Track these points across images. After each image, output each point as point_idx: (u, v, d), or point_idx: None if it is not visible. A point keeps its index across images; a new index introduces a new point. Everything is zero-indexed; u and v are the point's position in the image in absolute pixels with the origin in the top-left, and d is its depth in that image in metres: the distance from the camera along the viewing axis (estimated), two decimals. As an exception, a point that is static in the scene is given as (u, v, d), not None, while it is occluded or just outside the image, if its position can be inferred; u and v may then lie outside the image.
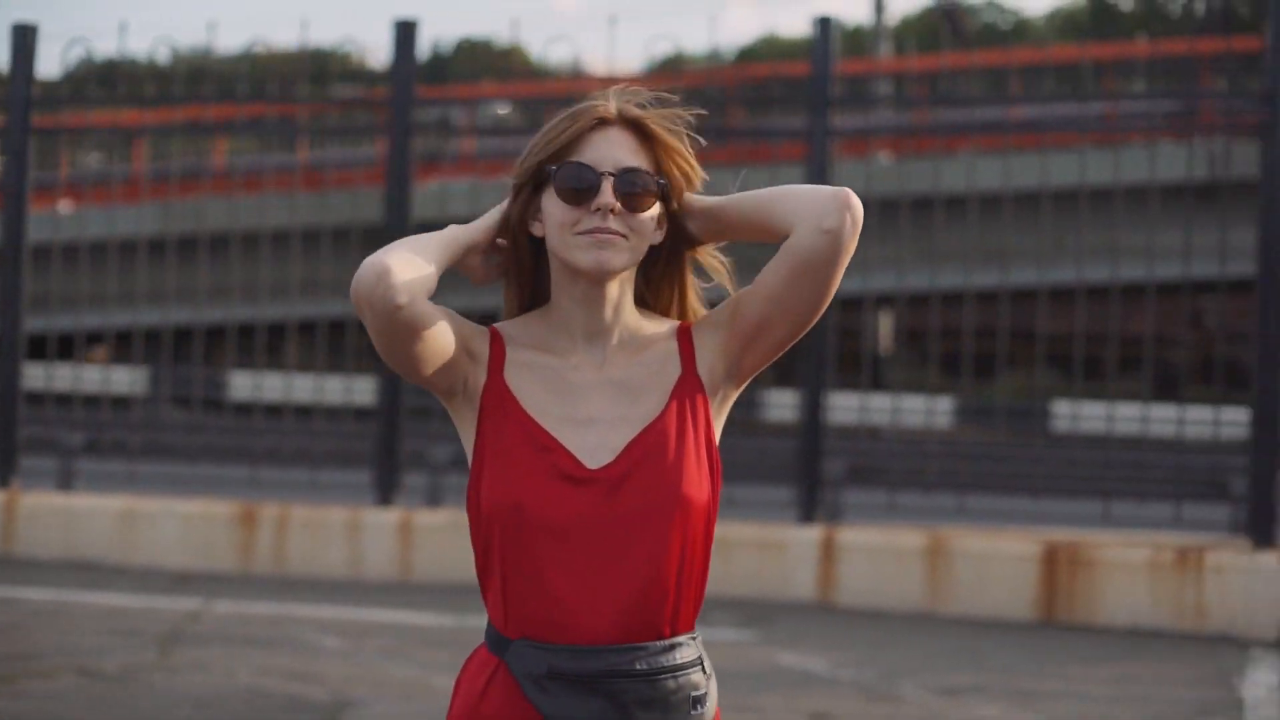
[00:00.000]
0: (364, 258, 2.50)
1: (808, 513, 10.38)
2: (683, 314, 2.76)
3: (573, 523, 2.53)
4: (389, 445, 10.72)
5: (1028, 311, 16.65)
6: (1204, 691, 8.29)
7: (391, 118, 10.70)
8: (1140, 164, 14.27)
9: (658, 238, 2.66)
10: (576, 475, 2.54)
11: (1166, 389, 22.99)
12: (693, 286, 2.77)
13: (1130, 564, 9.66)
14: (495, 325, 2.66)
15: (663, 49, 48.97)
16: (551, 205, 2.60)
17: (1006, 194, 11.18)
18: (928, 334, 12.31)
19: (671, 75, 17.45)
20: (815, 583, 10.12)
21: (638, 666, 2.53)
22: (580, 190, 2.56)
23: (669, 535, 2.54)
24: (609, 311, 2.64)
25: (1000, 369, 13.89)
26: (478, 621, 9.27)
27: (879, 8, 31.84)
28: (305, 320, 15.31)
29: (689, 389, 2.64)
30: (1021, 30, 62.50)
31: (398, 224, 10.48)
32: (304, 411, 14.30)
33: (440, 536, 10.49)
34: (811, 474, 10.39)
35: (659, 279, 2.73)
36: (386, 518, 10.63)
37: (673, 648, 2.57)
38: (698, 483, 2.57)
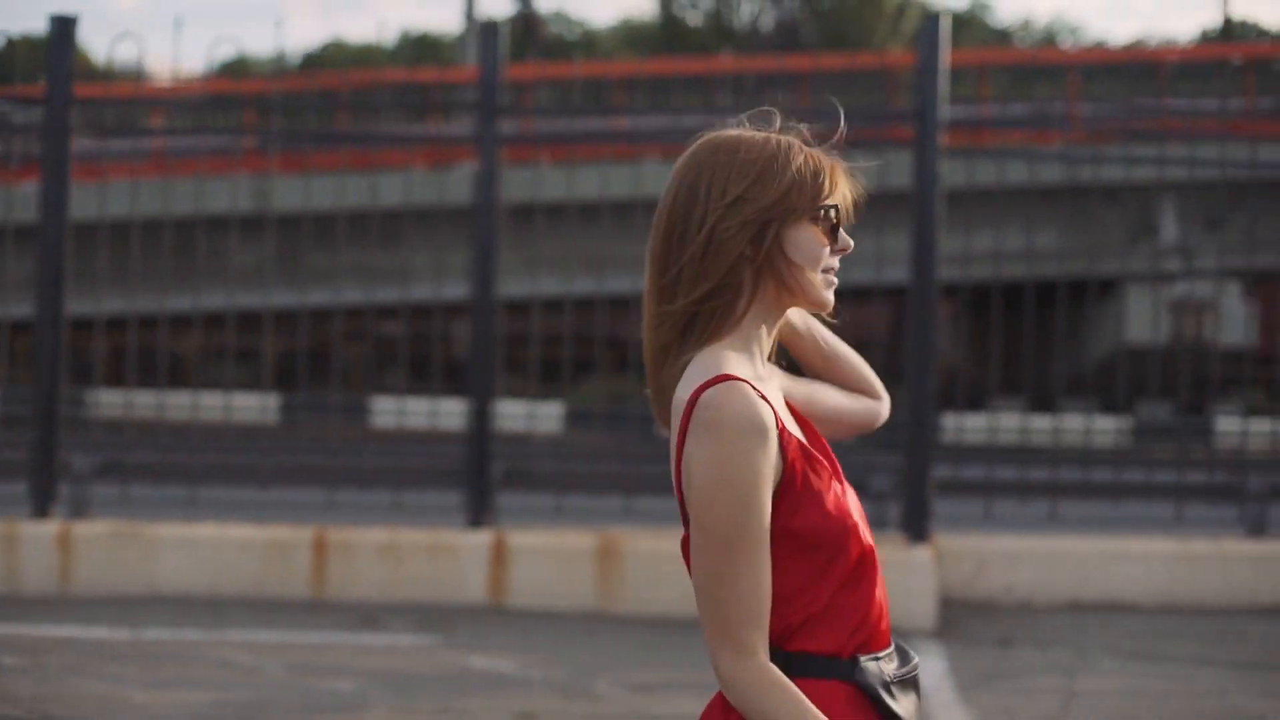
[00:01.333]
0: None
1: (477, 517, 10.42)
2: None
3: (854, 522, 2.58)
4: (46, 453, 10.32)
5: (622, 318, 17.07)
6: (880, 680, 8.65)
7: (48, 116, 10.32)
8: None
9: None
10: (840, 488, 2.61)
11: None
12: None
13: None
14: (733, 373, 2.52)
15: (226, 52, 48.15)
16: (810, 242, 2.58)
17: (604, 204, 11.56)
18: (529, 339, 12.52)
19: (307, 78, 17.19)
20: (486, 586, 10.16)
21: (912, 670, 2.67)
22: (839, 231, 2.62)
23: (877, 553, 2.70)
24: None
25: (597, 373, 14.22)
26: (157, 634, 9.06)
27: (469, 14, 31.98)
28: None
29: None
30: (590, 42, 63.64)
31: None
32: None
33: (99, 548, 10.17)
34: (480, 478, 10.43)
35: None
36: (43, 530, 10.23)
37: (911, 655, 2.71)
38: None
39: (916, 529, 10.18)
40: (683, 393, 2.49)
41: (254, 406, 18.82)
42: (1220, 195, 12.44)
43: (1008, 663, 9.11)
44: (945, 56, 10.19)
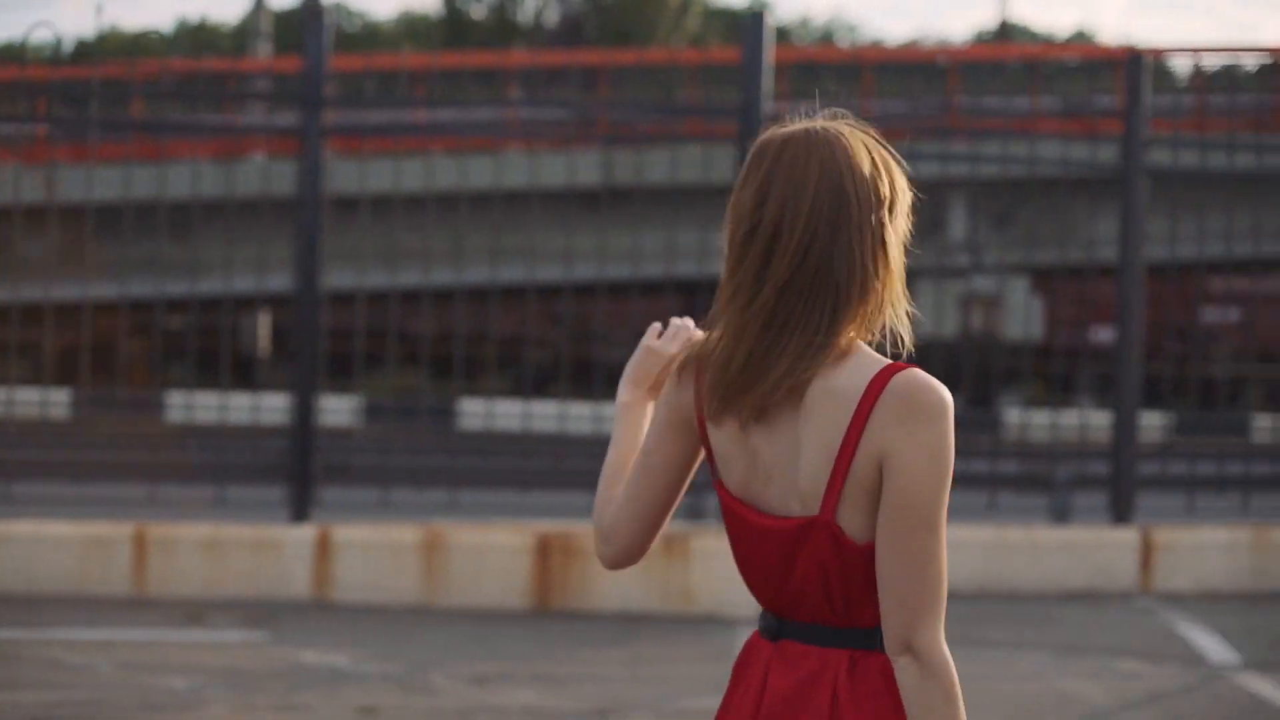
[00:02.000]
0: None
1: (301, 511, 10.31)
2: None
3: None
4: None
5: (413, 311, 17.00)
6: (713, 668, 8.71)
7: None
8: (522, 170, 14.99)
9: None
10: None
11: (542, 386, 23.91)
12: None
13: (620, 552, 10.04)
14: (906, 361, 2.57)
15: (43, 35, 46.97)
16: (900, 239, 2.63)
17: (397, 196, 11.55)
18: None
19: (94, 65, 16.79)
20: (311, 580, 10.05)
21: None
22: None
23: None
24: None
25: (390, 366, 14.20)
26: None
27: (258, 6, 31.56)
28: None
29: None
30: (372, 35, 63.11)
31: None
32: None
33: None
34: (304, 473, 10.32)
35: None
36: None
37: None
38: None
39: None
40: (854, 380, 2.48)
41: (38, 401, 18.35)
42: (1007, 192, 12.75)
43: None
44: (770, 53, 10.31)
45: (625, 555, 2.73)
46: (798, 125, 2.59)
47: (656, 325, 2.81)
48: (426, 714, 7.58)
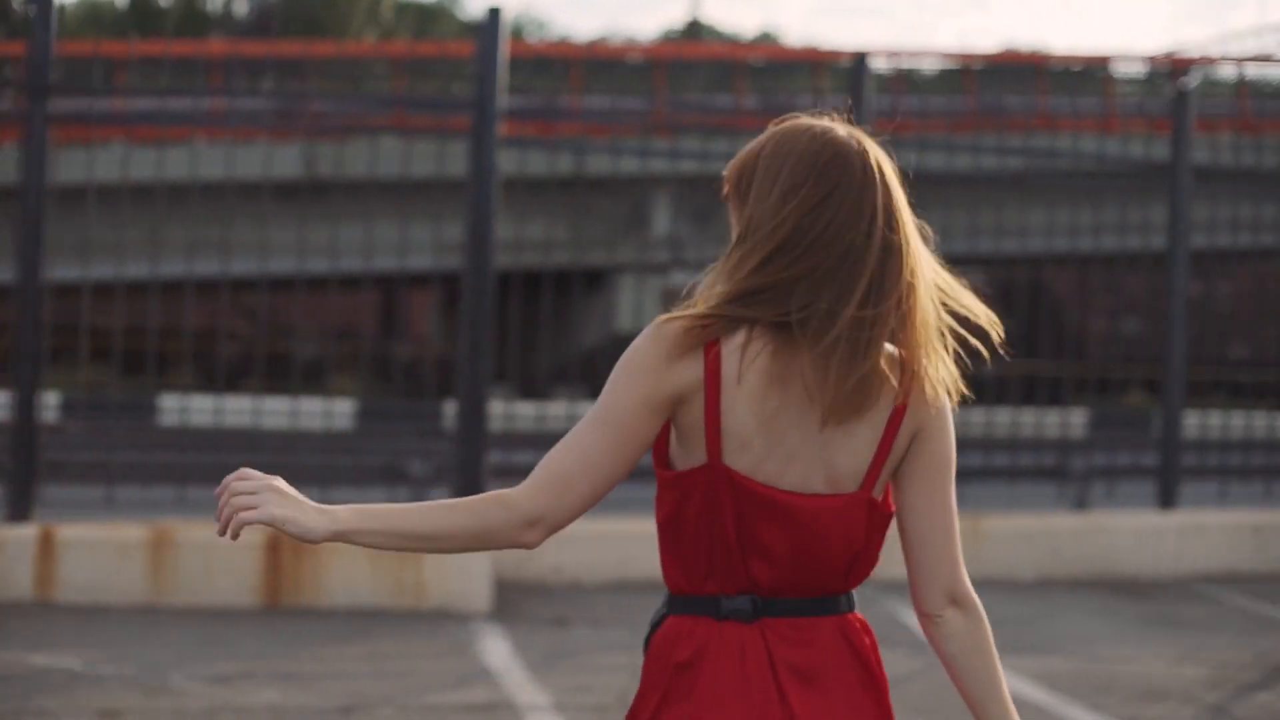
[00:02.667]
0: None
1: (23, 510, 10.02)
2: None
3: None
4: None
5: (105, 305, 16.63)
6: (452, 663, 8.78)
7: None
8: (255, 162, 14.82)
9: (736, 230, 2.77)
10: None
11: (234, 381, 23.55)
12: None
13: (351, 548, 9.98)
14: None
15: None
16: None
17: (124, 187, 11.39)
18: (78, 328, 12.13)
19: None
20: (33, 581, 9.78)
21: None
22: None
23: None
24: None
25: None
26: None
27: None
28: None
29: None
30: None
31: None
32: None
33: None
34: (26, 470, 10.04)
35: None
36: None
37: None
38: None
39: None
40: (890, 364, 2.70)
41: None
42: (709, 189, 13.03)
43: (569, 642, 9.37)
44: (505, 48, 10.36)
45: (555, 528, 2.69)
46: (848, 131, 2.75)
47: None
48: (171, 715, 7.47)
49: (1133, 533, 12.05)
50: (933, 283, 2.74)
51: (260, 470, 2.58)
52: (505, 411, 14.48)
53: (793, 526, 2.67)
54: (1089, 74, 35.33)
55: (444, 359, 24.10)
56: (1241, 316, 25.05)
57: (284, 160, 16.74)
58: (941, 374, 2.72)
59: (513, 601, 10.35)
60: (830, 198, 2.65)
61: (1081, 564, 11.76)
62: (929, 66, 28.99)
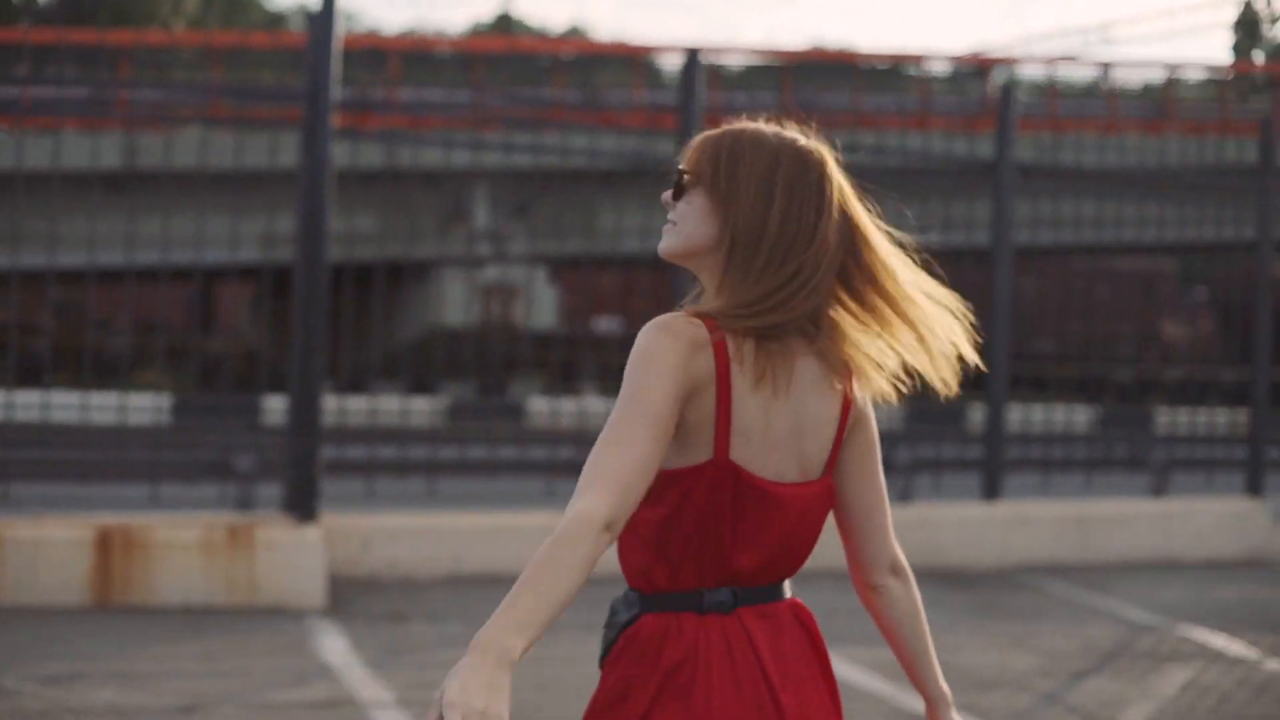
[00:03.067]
0: None
1: None
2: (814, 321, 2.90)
3: None
4: None
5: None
6: (290, 660, 8.66)
7: None
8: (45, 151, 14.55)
9: (715, 226, 2.80)
10: None
11: (30, 376, 23.04)
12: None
13: (183, 544, 9.84)
14: None
15: None
16: None
17: None
18: None
19: None
20: None
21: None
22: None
23: None
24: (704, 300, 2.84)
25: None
26: None
27: None
28: None
29: None
30: None
31: None
32: None
33: None
34: None
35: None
36: None
37: None
38: None
39: (304, 509, 10.20)
40: (835, 351, 2.84)
41: None
42: (528, 183, 13.03)
43: (407, 637, 9.30)
44: (339, 39, 10.25)
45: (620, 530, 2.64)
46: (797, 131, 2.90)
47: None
48: (10, 717, 7.28)
49: (958, 524, 12.25)
50: (888, 271, 2.84)
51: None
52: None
53: (784, 516, 2.77)
54: (898, 71, 35.90)
55: (257, 353, 23.80)
56: (1047, 312, 25.59)
57: (108, 151, 16.44)
58: (886, 361, 2.84)
59: (347, 597, 10.25)
60: (806, 197, 2.79)
61: (908, 555, 11.72)
62: (766, 63, 29.20)
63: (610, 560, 2.74)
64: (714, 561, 2.74)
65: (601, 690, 2.79)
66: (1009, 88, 13.05)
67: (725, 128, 2.89)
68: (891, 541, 3.01)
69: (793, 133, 2.88)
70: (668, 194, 2.86)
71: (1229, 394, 23.25)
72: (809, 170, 2.81)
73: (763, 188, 2.78)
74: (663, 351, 2.66)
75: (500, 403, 21.57)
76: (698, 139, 2.89)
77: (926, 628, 3.06)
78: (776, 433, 2.76)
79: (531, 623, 2.44)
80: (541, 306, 24.23)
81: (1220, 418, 18.90)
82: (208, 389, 21.53)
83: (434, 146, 14.56)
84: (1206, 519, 13.16)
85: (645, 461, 2.61)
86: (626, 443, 2.60)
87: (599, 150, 13.79)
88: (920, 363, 2.87)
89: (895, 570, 3.02)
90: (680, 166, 2.86)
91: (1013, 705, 8.12)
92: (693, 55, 11.62)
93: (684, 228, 2.81)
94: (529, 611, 2.45)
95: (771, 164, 2.79)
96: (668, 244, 2.84)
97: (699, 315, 2.73)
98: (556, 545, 2.49)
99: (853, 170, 2.92)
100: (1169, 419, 16.57)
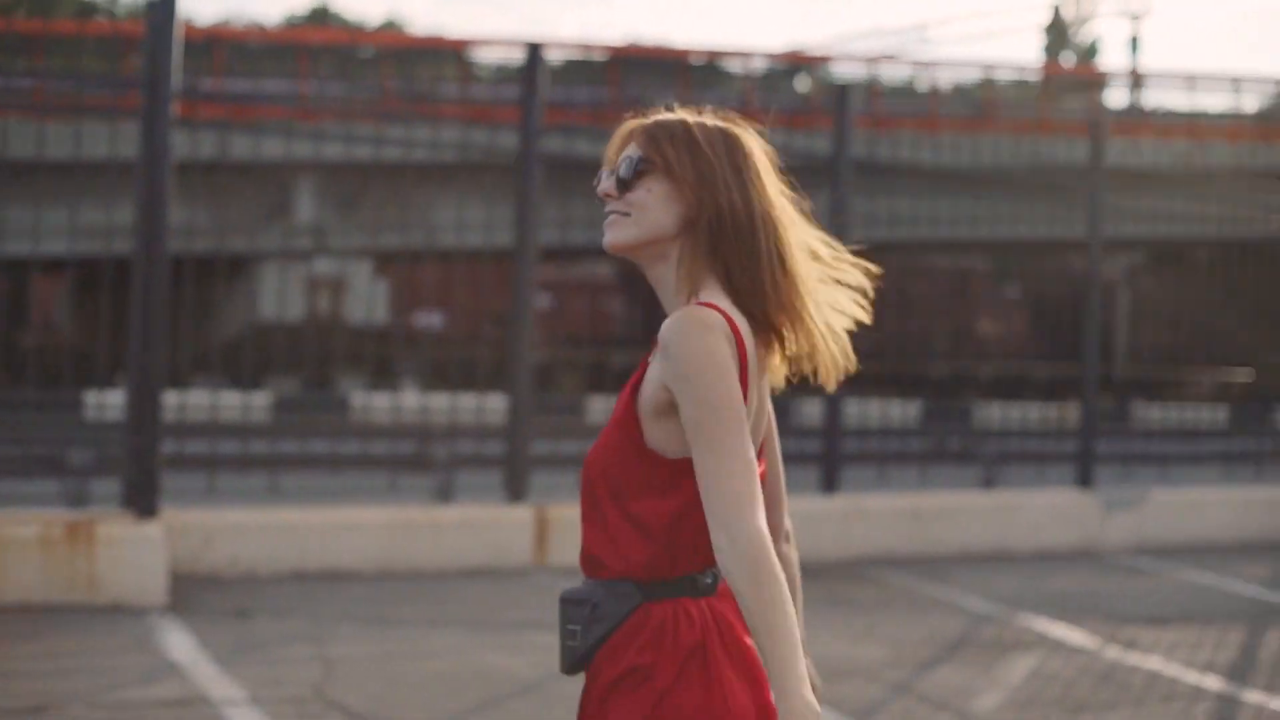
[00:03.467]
0: None
1: None
2: (794, 293, 2.88)
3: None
4: None
5: None
6: (136, 658, 8.48)
7: None
8: None
9: (677, 212, 2.81)
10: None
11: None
12: (800, 264, 2.89)
13: (21, 541, 9.60)
14: None
15: None
16: None
17: None
18: None
19: None
20: None
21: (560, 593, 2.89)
22: (597, 189, 2.88)
23: (587, 495, 2.86)
24: (661, 290, 2.87)
25: None
26: None
27: None
28: None
29: (635, 376, 2.83)
30: None
31: None
32: None
33: None
34: None
35: (715, 255, 2.85)
36: None
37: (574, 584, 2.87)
38: (606, 456, 2.81)
39: (145, 505, 10.01)
40: None
41: None
42: (356, 176, 12.94)
43: (253, 634, 9.16)
44: (179, 27, 10.06)
45: None
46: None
47: None
48: None
49: (798, 517, 12.28)
50: (803, 251, 2.89)
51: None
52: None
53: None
54: (716, 68, 36.13)
55: (74, 347, 23.32)
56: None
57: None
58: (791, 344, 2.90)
59: (189, 594, 10.08)
60: (757, 181, 2.84)
61: (750, 548, 11.98)
62: (585, 58, 29.20)
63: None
64: (706, 546, 2.76)
65: (603, 681, 2.80)
66: (846, 85, 13.18)
67: (656, 117, 2.89)
68: (787, 511, 3.12)
69: (713, 118, 2.90)
70: (608, 185, 2.84)
71: (1044, 389, 23.73)
72: (750, 152, 2.86)
73: (729, 169, 2.81)
74: (720, 351, 2.68)
75: (326, 397, 21.37)
76: (630, 129, 2.89)
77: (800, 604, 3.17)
78: (754, 413, 2.84)
79: (802, 666, 2.56)
80: (369, 300, 24.01)
81: (1034, 412, 19.30)
82: (19, 384, 21.05)
83: (260, 137, 14.38)
84: (1038, 511, 13.41)
85: (755, 462, 2.67)
86: (739, 453, 2.64)
87: (427, 142, 13.67)
88: (811, 350, 2.89)
89: (788, 539, 3.16)
90: (631, 156, 2.84)
91: (865, 695, 8.21)
92: (535, 50, 11.58)
93: (645, 217, 2.81)
94: (796, 659, 2.56)
95: (724, 146, 2.83)
96: (623, 235, 2.82)
97: (705, 304, 2.75)
98: (762, 587, 2.57)
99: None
100: (989, 413, 16.88)
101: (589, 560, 2.86)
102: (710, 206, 2.79)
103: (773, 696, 2.61)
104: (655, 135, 2.83)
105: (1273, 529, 14.54)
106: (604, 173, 2.88)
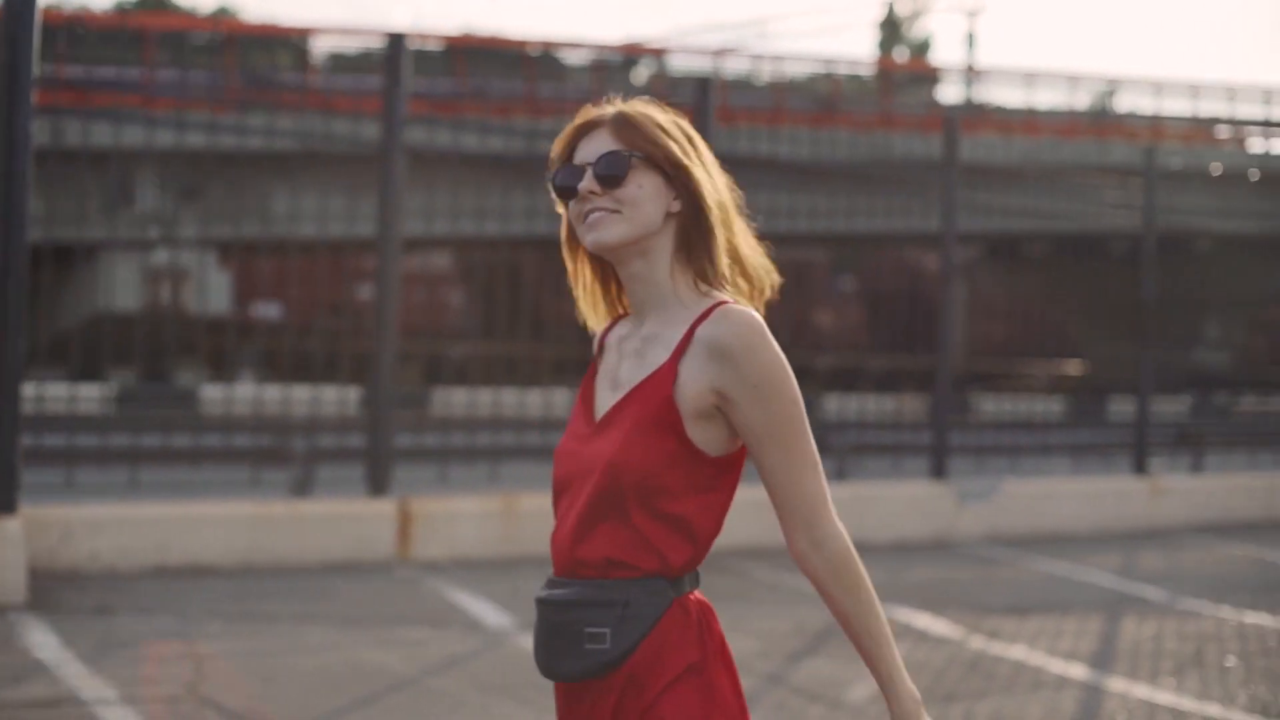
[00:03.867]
0: None
1: None
2: (745, 277, 2.90)
3: (562, 466, 2.81)
4: None
5: None
6: (0, 658, 8.33)
7: None
8: None
9: (664, 205, 2.79)
10: (582, 431, 2.80)
11: None
12: (747, 247, 2.89)
13: (-125, 538, 9.38)
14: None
15: None
16: (563, 209, 2.84)
17: None
18: None
19: None
20: None
21: (544, 595, 2.79)
22: (569, 187, 2.80)
23: (589, 490, 2.73)
24: (640, 287, 2.81)
25: None
26: None
27: None
28: None
29: (663, 375, 2.74)
30: None
31: None
32: None
33: None
34: None
35: (697, 246, 2.82)
36: None
37: (565, 586, 2.76)
38: (634, 451, 2.70)
39: (4, 500, 9.80)
40: None
41: None
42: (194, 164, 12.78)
43: (119, 631, 9.01)
44: (38, 12, 9.86)
45: None
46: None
47: None
48: None
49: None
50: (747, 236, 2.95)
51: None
52: None
53: None
54: (552, 59, 36.15)
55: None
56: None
57: None
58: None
59: (49, 591, 9.90)
60: (715, 170, 2.87)
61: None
62: (421, 49, 28.99)
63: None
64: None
65: (659, 681, 2.74)
66: (706, 79, 13.24)
67: (620, 108, 2.85)
68: None
69: (659, 109, 2.89)
70: (589, 183, 2.78)
71: (879, 381, 24.01)
72: (700, 141, 2.89)
73: (700, 159, 2.83)
74: (783, 357, 2.74)
75: (171, 389, 21.07)
76: (589, 122, 2.83)
77: None
78: None
79: (902, 664, 2.73)
80: (212, 291, 23.70)
81: (872, 405, 19.54)
82: None
83: (102, 123, 14.16)
84: (894, 503, 13.59)
85: (820, 464, 2.80)
86: (813, 456, 2.78)
87: (274, 131, 13.54)
88: None
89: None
90: (617, 151, 2.78)
91: (739, 686, 8.26)
92: (398, 40, 11.51)
93: (638, 213, 2.77)
94: (898, 659, 2.74)
95: (687, 136, 2.85)
96: (615, 233, 2.77)
97: (739, 307, 2.78)
98: (856, 590, 2.75)
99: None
100: (830, 405, 17.03)
101: (604, 563, 2.74)
102: (693, 198, 2.79)
103: (885, 696, 2.69)
104: (633, 128, 2.79)
105: (1121, 519, 14.88)
106: (564, 170, 2.81)
